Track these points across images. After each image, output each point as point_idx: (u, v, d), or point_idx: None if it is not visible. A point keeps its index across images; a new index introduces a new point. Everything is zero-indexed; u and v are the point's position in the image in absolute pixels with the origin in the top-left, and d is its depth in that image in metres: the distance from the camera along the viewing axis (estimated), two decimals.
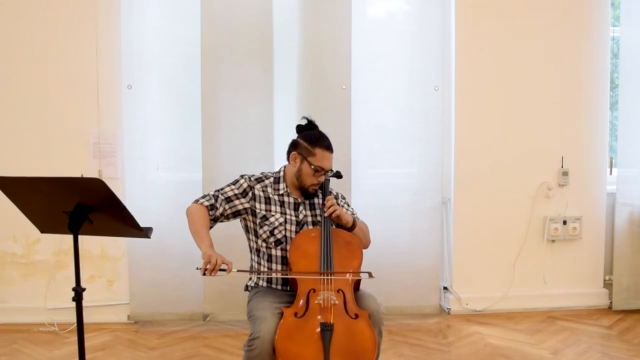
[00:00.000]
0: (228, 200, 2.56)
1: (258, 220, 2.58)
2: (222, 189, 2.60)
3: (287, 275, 2.51)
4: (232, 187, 2.60)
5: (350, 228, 2.60)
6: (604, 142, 4.04)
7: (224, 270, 2.27)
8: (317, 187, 2.60)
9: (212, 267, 2.25)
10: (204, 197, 2.57)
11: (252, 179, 2.63)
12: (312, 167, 2.53)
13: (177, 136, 3.80)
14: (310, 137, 2.57)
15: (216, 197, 2.56)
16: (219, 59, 3.59)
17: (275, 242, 2.57)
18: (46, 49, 3.68)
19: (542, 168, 4.00)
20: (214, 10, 3.57)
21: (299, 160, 2.57)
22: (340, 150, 3.44)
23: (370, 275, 2.37)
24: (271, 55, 3.64)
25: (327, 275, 2.38)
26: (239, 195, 2.58)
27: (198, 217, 2.48)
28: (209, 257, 2.27)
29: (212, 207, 2.54)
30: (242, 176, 2.64)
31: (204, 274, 2.27)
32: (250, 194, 2.59)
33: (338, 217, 2.54)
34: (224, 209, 2.56)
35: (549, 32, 3.94)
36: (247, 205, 2.58)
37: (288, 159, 2.63)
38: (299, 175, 2.57)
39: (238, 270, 2.34)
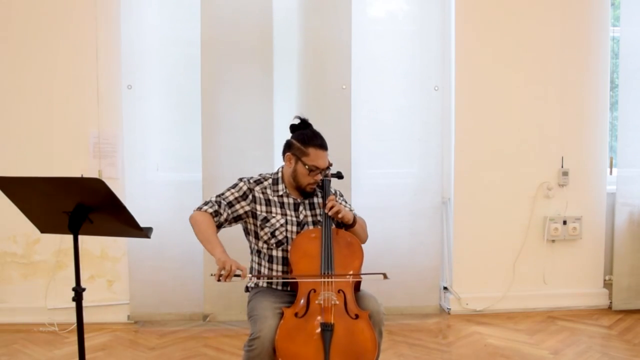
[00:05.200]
0: (230, 205, 2.56)
1: (259, 222, 2.57)
2: (222, 194, 2.59)
3: (290, 279, 2.49)
4: (232, 190, 2.59)
5: (351, 225, 2.61)
6: (604, 142, 4.04)
7: (238, 275, 2.28)
8: (314, 186, 2.60)
9: (226, 273, 2.25)
10: (206, 203, 2.55)
11: (251, 181, 2.63)
12: (307, 167, 2.53)
13: (177, 136, 3.79)
14: (302, 137, 2.57)
15: (219, 203, 2.54)
16: (219, 58, 3.59)
17: (276, 243, 2.57)
18: (46, 49, 3.68)
19: (542, 168, 4.00)
20: (214, 10, 3.57)
21: (294, 160, 2.57)
22: (340, 150, 3.45)
23: (384, 276, 2.35)
24: (271, 55, 3.64)
25: (329, 278, 2.38)
26: (240, 199, 2.58)
27: (205, 225, 2.47)
28: (223, 264, 2.28)
29: (216, 214, 2.52)
30: (240, 179, 2.64)
31: (219, 280, 2.27)
32: (250, 196, 2.59)
33: (341, 216, 2.54)
34: (228, 214, 2.55)
35: (549, 32, 3.94)
36: (247, 209, 2.58)
37: (284, 160, 2.63)
38: (294, 175, 2.57)
39: (252, 275, 2.34)
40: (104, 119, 3.72)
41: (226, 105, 3.62)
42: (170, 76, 3.77)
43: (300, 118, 2.67)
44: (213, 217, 2.52)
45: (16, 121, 3.71)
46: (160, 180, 3.75)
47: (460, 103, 3.93)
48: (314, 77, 3.69)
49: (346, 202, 2.75)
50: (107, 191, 2.01)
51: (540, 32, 3.93)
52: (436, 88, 3.81)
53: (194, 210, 2.54)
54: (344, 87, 3.68)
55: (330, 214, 2.52)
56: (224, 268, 2.26)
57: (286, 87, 3.73)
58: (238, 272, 2.28)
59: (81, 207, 2.09)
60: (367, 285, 2.54)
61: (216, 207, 2.53)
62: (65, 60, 3.69)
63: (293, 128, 2.67)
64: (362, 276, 2.45)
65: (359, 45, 3.73)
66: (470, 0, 3.89)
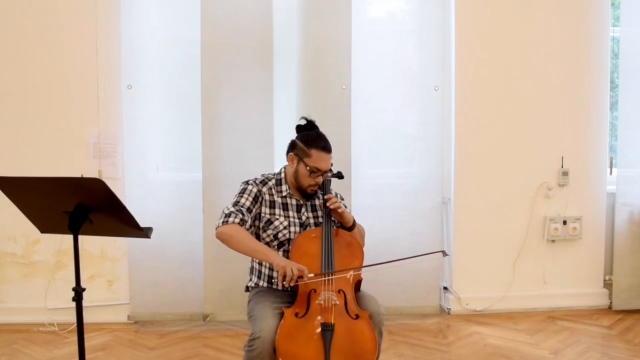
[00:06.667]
0: (249, 210, 2.54)
1: (262, 224, 2.57)
2: (238, 202, 2.54)
3: (331, 275, 2.44)
4: (246, 196, 2.55)
5: (350, 228, 2.61)
6: (604, 142, 4.04)
7: (300, 277, 2.30)
8: (315, 188, 2.59)
9: (289, 279, 2.28)
10: (227, 216, 2.47)
11: (257, 182, 2.61)
12: (308, 168, 2.52)
13: (177, 136, 3.79)
14: (306, 138, 2.56)
15: (241, 212, 2.50)
16: (219, 59, 3.59)
17: (278, 244, 2.57)
18: (46, 48, 3.68)
19: (542, 168, 4.00)
20: (214, 10, 3.57)
21: (296, 161, 2.57)
22: (340, 150, 3.44)
23: (444, 253, 2.35)
24: (271, 55, 3.64)
25: (329, 275, 2.38)
26: (254, 202, 2.57)
27: (242, 235, 2.43)
28: (284, 268, 2.29)
29: (242, 222, 2.48)
30: (247, 182, 2.61)
31: (283, 286, 2.31)
32: (260, 198, 2.58)
33: (341, 214, 2.54)
34: (250, 220, 2.53)
35: (549, 32, 3.94)
36: (256, 212, 2.58)
37: (287, 159, 2.63)
38: (296, 176, 2.57)
39: (316, 274, 2.35)
40: (104, 119, 3.72)
41: (226, 105, 3.62)
42: (170, 76, 3.77)
43: (306, 119, 2.67)
44: (241, 227, 2.47)
45: (16, 121, 3.71)
46: (160, 180, 3.75)
47: (460, 103, 3.93)
48: (314, 77, 3.69)
49: (346, 207, 2.74)
50: (107, 191, 2.01)
51: (540, 32, 3.93)
52: (436, 88, 3.81)
53: (219, 227, 2.46)
54: (344, 87, 3.68)
55: (331, 207, 2.52)
56: (285, 273, 2.28)
57: (286, 87, 3.73)
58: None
59: (81, 207, 2.09)
60: (367, 286, 2.54)
61: (240, 215, 2.47)
62: (65, 60, 3.69)
63: (299, 129, 2.66)
64: (420, 256, 2.45)
65: (358, 45, 3.73)
66: (470, 0, 3.89)
